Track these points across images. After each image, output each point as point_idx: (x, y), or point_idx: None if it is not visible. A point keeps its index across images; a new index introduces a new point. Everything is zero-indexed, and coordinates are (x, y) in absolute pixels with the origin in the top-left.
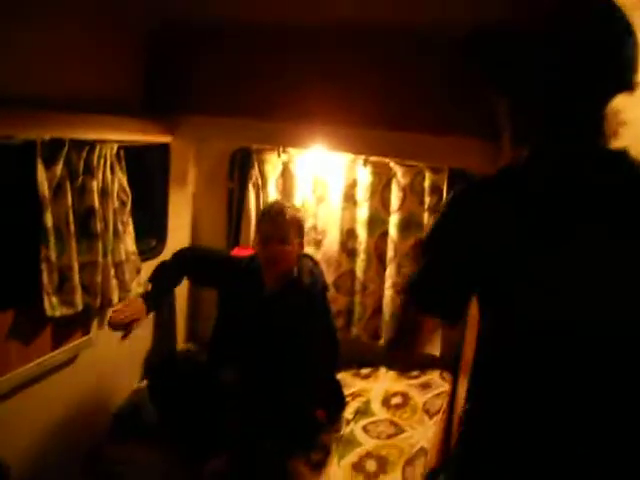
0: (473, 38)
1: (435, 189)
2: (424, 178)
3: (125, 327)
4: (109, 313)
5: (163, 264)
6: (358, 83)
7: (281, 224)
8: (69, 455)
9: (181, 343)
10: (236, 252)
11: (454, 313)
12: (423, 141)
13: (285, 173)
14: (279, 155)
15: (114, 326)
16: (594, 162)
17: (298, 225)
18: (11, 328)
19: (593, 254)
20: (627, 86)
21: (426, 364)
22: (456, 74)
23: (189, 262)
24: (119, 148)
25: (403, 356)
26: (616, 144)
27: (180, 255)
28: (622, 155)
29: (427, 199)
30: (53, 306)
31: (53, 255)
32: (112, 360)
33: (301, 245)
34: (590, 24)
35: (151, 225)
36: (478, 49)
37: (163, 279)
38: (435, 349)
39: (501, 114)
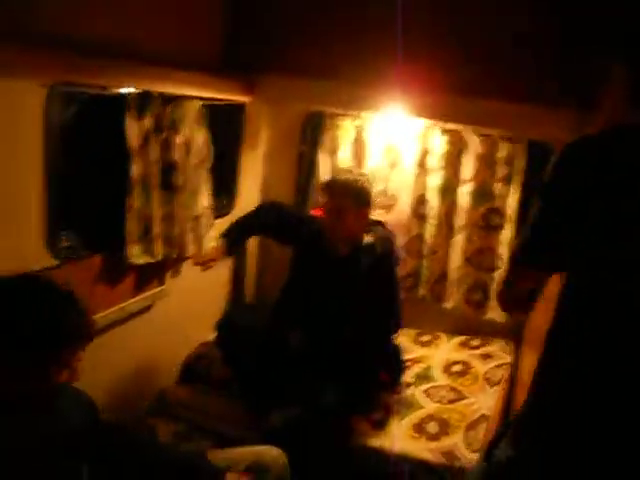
0: None
1: (510, 160)
2: (499, 149)
3: (204, 264)
4: (183, 266)
5: (248, 213)
6: (439, 48)
7: (340, 194)
8: (141, 395)
9: (248, 301)
10: (315, 212)
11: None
12: (503, 109)
13: (358, 138)
14: (353, 120)
15: (196, 262)
16: None
17: (360, 194)
18: (98, 273)
19: None
20: None
21: (488, 332)
22: (542, 40)
23: (271, 215)
24: (201, 105)
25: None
26: None
27: (263, 207)
28: None
29: (501, 170)
30: (136, 254)
31: (137, 205)
32: (184, 312)
33: (365, 214)
34: None
35: (222, 183)
36: None
37: (245, 224)
38: (500, 315)
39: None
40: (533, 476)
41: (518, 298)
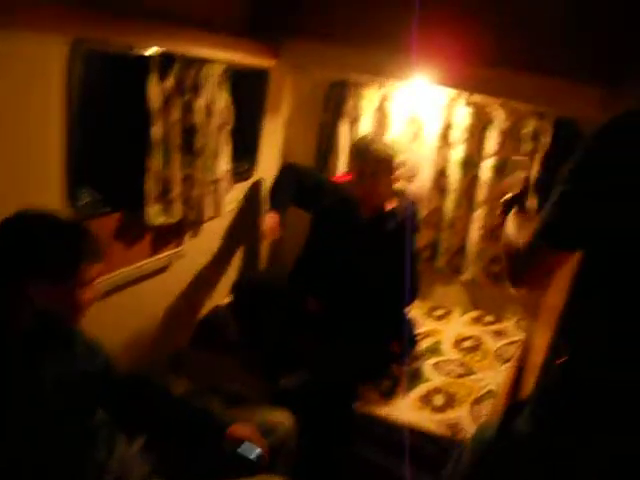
0: None
1: (536, 136)
2: (526, 124)
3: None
4: (201, 228)
5: (278, 181)
6: (468, 16)
7: (376, 159)
8: (156, 353)
9: (263, 266)
10: (336, 178)
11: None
12: (532, 83)
13: (381, 108)
14: (377, 89)
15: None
16: None
17: (391, 161)
18: (116, 231)
19: None
20: None
21: (502, 309)
22: (575, 14)
23: (293, 178)
24: (225, 68)
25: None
26: None
27: (287, 170)
28: None
29: (526, 145)
30: (154, 214)
31: (158, 166)
32: (201, 273)
33: (395, 179)
34: None
35: (243, 149)
36: None
37: (285, 191)
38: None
39: None
40: (558, 455)
41: (536, 277)
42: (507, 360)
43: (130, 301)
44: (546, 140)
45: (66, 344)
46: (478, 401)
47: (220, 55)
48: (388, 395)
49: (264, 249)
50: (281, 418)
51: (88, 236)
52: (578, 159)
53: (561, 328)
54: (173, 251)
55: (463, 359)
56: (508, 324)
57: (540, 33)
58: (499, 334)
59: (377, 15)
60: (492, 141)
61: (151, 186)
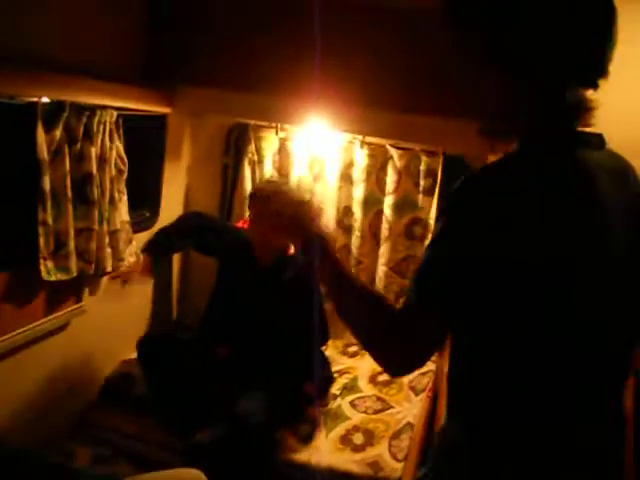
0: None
1: (430, 172)
2: (420, 161)
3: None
4: (102, 282)
5: (170, 224)
6: (358, 62)
7: (271, 204)
8: (58, 419)
9: (174, 315)
10: (241, 224)
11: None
12: (420, 123)
13: (282, 150)
14: (277, 132)
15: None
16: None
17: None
18: (5, 291)
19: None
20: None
21: None
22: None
23: (195, 225)
24: (118, 116)
25: None
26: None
27: (187, 217)
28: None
29: (422, 182)
30: (49, 270)
31: (50, 219)
32: (104, 329)
33: None
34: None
35: (144, 197)
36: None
37: (167, 234)
38: None
39: (486, 91)
40: None
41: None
42: (421, 391)
43: (24, 365)
44: (439, 175)
45: None
46: (397, 435)
47: (112, 102)
48: (308, 439)
49: (174, 299)
50: (193, 478)
51: None
52: (443, 221)
53: (454, 392)
54: (72, 308)
55: (379, 394)
56: None
57: (423, 75)
58: None
59: (270, 61)
60: (390, 179)
61: (44, 241)
